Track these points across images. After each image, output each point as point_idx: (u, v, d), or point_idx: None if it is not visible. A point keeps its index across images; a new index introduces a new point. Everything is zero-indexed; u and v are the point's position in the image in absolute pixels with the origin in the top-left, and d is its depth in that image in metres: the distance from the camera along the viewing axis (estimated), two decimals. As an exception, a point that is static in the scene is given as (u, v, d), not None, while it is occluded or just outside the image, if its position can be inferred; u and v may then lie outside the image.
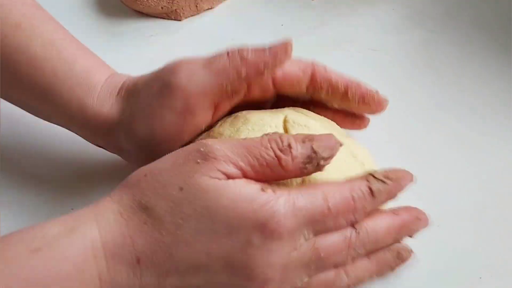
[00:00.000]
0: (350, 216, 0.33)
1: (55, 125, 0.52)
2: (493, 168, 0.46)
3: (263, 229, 0.31)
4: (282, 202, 0.31)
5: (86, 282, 0.30)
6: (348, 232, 0.34)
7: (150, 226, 0.31)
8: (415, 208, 0.37)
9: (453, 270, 0.40)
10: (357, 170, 0.39)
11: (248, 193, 0.31)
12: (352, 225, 0.34)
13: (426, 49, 0.56)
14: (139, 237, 0.31)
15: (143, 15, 0.62)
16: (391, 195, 0.35)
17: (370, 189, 0.33)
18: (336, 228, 0.33)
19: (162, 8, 0.60)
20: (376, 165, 0.42)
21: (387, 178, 0.34)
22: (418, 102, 0.51)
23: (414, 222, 0.36)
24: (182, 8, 0.61)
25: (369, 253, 0.35)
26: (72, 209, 0.45)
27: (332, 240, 0.33)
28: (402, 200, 0.42)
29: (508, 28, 0.56)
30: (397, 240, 0.37)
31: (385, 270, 0.36)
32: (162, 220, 0.31)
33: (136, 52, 0.58)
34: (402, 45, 0.57)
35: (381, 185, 0.34)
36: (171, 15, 0.61)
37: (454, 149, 0.47)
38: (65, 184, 0.47)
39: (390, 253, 0.36)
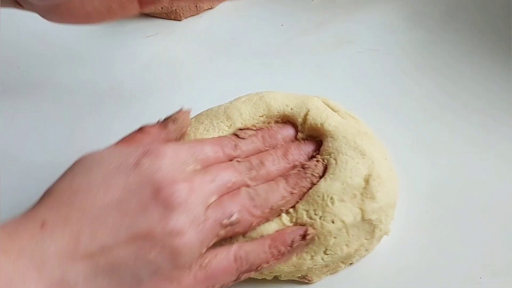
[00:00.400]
0: (228, 151, 0.39)
1: (55, 126, 0.52)
2: (493, 167, 0.46)
3: (146, 152, 0.35)
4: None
5: None
6: (233, 164, 0.38)
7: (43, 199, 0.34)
8: None
9: (453, 270, 0.40)
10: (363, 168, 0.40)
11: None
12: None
13: (426, 49, 0.56)
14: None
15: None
16: (265, 137, 0.41)
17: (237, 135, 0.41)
18: (218, 160, 0.38)
19: (162, 8, 0.60)
20: (391, 161, 0.42)
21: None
22: (418, 102, 0.51)
23: None
24: (182, 8, 0.61)
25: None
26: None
27: (221, 167, 0.37)
28: (402, 200, 0.42)
29: (508, 28, 0.56)
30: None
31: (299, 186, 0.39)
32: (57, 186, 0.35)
33: (136, 52, 0.58)
34: (402, 45, 0.57)
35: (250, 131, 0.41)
36: (171, 15, 0.61)
37: (454, 149, 0.47)
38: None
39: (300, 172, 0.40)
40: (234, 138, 0.40)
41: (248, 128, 0.42)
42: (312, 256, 0.39)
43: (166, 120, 0.40)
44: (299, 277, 0.40)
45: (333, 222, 0.39)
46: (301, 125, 0.45)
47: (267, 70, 0.54)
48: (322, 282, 0.40)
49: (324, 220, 0.38)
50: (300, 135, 0.44)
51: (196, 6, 0.61)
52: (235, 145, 0.39)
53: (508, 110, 0.50)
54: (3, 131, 0.51)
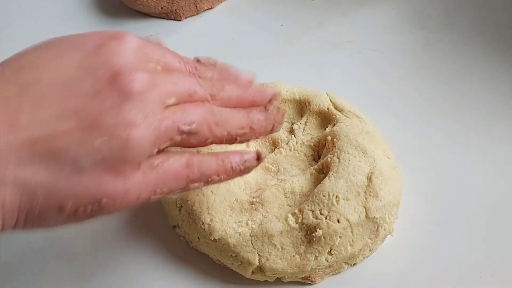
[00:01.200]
0: (189, 67, 0.36)
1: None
2: (493, 168, 0.46)
3: (113, 36, 0.32)
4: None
5: None
6: (196, 77, 0.35)
7: None
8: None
9: (453, 270, 0.40)
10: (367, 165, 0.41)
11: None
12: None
13: (426, 49, 0.56)
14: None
15: (143, 15, 0.62)
16: (225, 75, 0.37)
17: (198, 60, 0.36)
18: (179, 70, 0.35)
19: (162, 8, 0.60)
20: (394, 160, 0.43)
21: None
22: (417, 102, 0.51)
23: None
24: (182, 8, 0.61)
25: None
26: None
27: (183, 75, 0.34)
28: (402, 200, 0.42)
29: (508, 28, 0.56)
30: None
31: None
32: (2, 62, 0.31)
33: (136, 52, 0.58)
34: (402, 45, 0.57)
35: (212, 64, 0.37)
36: (171, 15, 0.61)
37: (454, 149, 0.47)
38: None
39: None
40: (195, 61, 0.37)
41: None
42: (316, 256, 0.39)
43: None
44: (302, 278, 0.40)
45: (338, 221, 0.39)
46: (309, 110, 0.46)
47: (267, 70, 0.53)
48: (325, 283, 0.40)
49: (329, 219, 0.39)
50: (303, 119, 0.45)
51: (196, 6, 0.61)
52: (195, 67, 0.36)
53: (508, 109, 0.50)
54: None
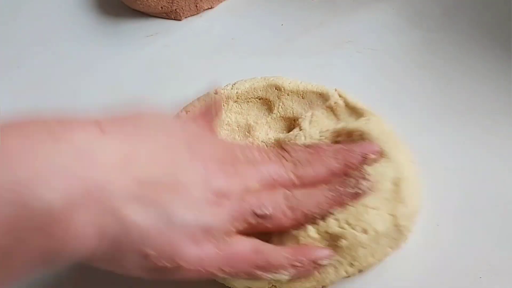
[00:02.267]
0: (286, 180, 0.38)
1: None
2: (493, 168, 0.46)
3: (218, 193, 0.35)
4: None
5: None
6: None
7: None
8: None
9: (453, 270, 0.40)
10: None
11: None
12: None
13: (426, 49, 0.56)
14: None
15: (143, 15, 0.62)
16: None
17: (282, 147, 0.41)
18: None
19: (162, 8, 0.60)
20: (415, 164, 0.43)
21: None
22: (417, 102, 0.51)
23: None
24: (182, 8, 0.61)
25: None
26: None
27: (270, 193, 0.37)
28: (402, 200, 0.42)
29: (508, 28, 0.56)
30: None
31: (341, 197, 0.38)
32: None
33: (136, 52, 0.58)
34: (402, 45, 0.57)
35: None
36: (171, 15, 0.61)
37: (454, 149, 0.47)
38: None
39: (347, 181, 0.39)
40: (287, 154, 0.40)
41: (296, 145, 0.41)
42: (336, 268, 0.38)
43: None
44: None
45: (365, 232, 0.37)
46: (335, 102, 0.46)
47: (267, 70, 0.53)
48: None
49: (355, 229, 0.37)
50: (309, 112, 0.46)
51: (196, 6, 0.61)
52: (278, 153, 0.39)
53: (508, 110, 0.50)
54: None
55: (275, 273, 0.36)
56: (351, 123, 0.44)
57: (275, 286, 0.38)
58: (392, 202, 0.39)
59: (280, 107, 0.47)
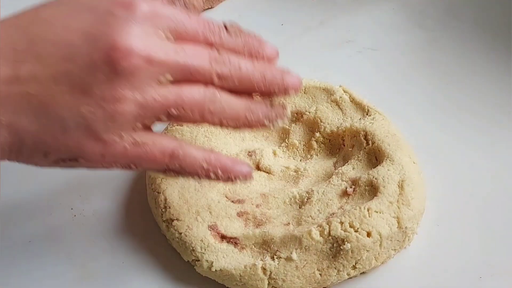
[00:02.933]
0: (209, 34, 0.34)
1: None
2: (493, 167, 0.46)
3: (124, 3, 0.32)
4: None
5: None
6: (209, 50, 0.34)
7: (9, 18, 0.33)
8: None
9: (453, 270, 0.40)
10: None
11: None
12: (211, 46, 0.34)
13: (426, 49, 0.56)
14: None
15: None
16: (249, 46, 0.36)
17: (225, 27, 0.35)
18: (195, 40, 0.34)
19: (162, 8, 0.60)
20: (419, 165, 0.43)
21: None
22: (418, 102, 0.51)
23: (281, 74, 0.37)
24: (182, 8, 0.61)
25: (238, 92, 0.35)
26: (72, 209, 0.45)
27: (193, 47, 0.33)
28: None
29: (508, 28, 0.56)
30: (267, 88, 0.36)
31: (258, 114, 0.35)
32: (23, 11, 0.33)
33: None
34: (402, 45, 0.56)
35: (238, 31, 0.35)
36: (171, 15, 0.61)
37: (454, 149, 0.47)
38: (65, 184, 0.47)
39: (264, 101, 0.36)
40: (222, 27, 0.35)
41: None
42: (339, 271, 0.38)
43: None
44: None
45: (369, 235, 0.38)
46: (340, 97, 0.46)
47: (267, 70, 0.53)
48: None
49: (359, 233, 0.37)
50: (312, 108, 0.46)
51: (196, 5, 0.61)
52: (220, 37, 0.35)
53: (508, 110, 0.50)
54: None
55: (186, 176, 0.35)
56: (357, 123, 0.44)
57: (274, 286, 0.38)
58: (396, 205, 0.39)
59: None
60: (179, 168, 0.34)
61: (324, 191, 0.41)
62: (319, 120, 0.46)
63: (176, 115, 0.33)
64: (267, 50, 0.37)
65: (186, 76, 0.33)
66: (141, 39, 0.31)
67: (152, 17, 0.32)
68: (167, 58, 0.32)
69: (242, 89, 0.35)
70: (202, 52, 0.33)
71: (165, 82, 0.32)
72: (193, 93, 0.33)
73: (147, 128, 0.33)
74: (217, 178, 0.35)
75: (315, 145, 0.45)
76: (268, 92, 0.36)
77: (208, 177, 0.35)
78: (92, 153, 0.32)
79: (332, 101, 0.46)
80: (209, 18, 0.35)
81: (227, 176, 0.35)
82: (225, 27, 0.35)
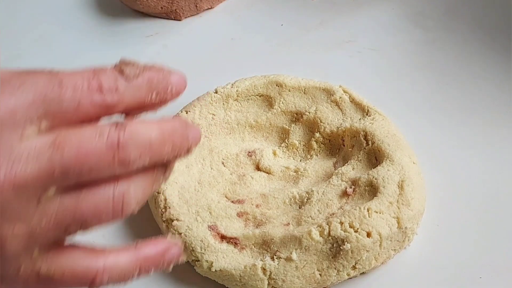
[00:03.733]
0: (98, 98, 0.25)
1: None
2: (493, 168, 0.46)
3: None
4: None
5: None
6: (106, 127, 0.24)
7: None
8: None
9: (453, 270, 0.40)
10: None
11: None
12: (107, 113, 0.25)
13: (426, 49, 0.56)
14: None
15: (143, 15, 0.62)
16: (155, 86, 0.27)
17: (120, 70, 0.26)
18: (82, 116, 0.25)
19: (162, 8, 0.60)
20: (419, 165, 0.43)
21: (144, 66, 0.27)
22: (417, 102, 0.51)
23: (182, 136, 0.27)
24: (182, 8, 0.61)
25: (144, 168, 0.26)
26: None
27: (82, 134, 0.24)
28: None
29: (508, 28, 0.56)
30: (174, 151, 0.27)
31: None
32: None
33: (136, 52, 0.58)
34: (402, 45, 0.57)
35: (134, 69, 0.27)
36: (171, 15, 0.61)
37: (454, 149, 0.47)
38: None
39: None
40: (116, 73, 0.26)
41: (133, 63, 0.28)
42: (338, 271, 0.38)
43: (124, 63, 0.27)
44: None
45: (369, 235, 0.38)
46: (340, 97, 0.46)
47: (267, 70, 0.53)
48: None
49: (359, 233, 0.37)
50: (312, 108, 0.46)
51: (196, 6, 0.61)
52: (116, 90, 0.26)
53: (508, 110, 0.50)
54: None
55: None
56: (357, 123, 0.44)
57: (274, 286, 0.38)
58: (396, 205, 0.39)
59: (281, 102, 0.47)
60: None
61: (324, 191, 0.41)
62: (319, 120, 0.46)
63: (80, 230, 0.25)
64: (174, 81, 0.27)
65: (79, 177, 0.24)
66: (9, 147, 0.23)
67: (10, 117, 0.23)
68: (42, 170, 0.23)
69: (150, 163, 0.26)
70: (91, 136, 0.24)
71: (51, 196, 0.24)
72: (95, 200, 0.25)
73: (58, 245, 0.25)
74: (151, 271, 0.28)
75: (315, 145, 0.45)
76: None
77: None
78: None
79: (332, 101, 0.46)
80: (99, 66, 0.27)
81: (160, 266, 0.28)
82: (121, 70, 0.27)
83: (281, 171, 0.44)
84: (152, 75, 0.27)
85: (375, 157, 0.43)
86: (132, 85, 0.26)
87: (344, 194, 0.41)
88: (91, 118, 0.25)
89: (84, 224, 0.25)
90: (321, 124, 0.45)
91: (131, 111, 0.27)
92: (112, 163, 0.24)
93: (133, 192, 0.26)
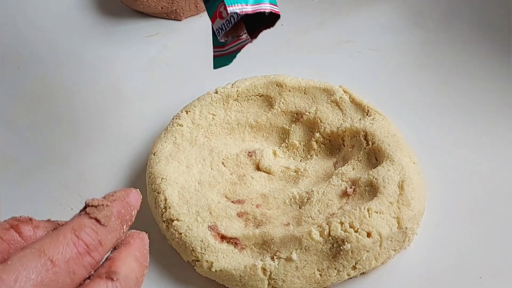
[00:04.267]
0: (87, 259, 0.27)
1: (55, 125, 0.52)
2: (493, 168, 0.46)
3: None
4: None
5: None
6: (103, 282, 0.27)
7: None
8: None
9: (453, 270, 0.40)
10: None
11: None
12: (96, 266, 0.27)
13: (425, 49, 0.56)
14: None
15: (143, 15, 0.62)
16: (124, 217, 0.29)
17: (96, 219, 0.28)
18: (78, 281, 0.27)
19: (162, 8, 0.60)
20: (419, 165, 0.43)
21: (107, 200, 0.29)
22: (417, 102, 0.51)
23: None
24: (182, 8, 0.61)
25: None
26: (72, 209, 0.45)
27: None
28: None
29: (508, 28, 0.56)
30: None
31: None
32: None
33: (136, 52, 0.58)
34: (402, 45, 0.57)
35: (105, 211, 0.28)
36: (171, 15, 0.61)
37: (454, 149, 0.47)
38: (65, 184, 0.47)
39: None
40: (94, 223, 0.28)
41: (98, 203, 0.28)
42: (339, 271, 0.38)
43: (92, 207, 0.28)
44: None
45: (369, 235, 0.38)
46: (340, 97, 0.46)
47: (267, 70, 0.53)
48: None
49: (359, 233, 0.37)
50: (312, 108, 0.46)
51: (196, 6, 0.61)
52: (100, 242, 0.28)
53: (508, 110, 0.50)
54: (3, 131, 0.51)
55: None
56: (357, 123, 0.44)
57: (274, 286, 0.38)
58: (396, 205, 0.39)
59: (281, 102, 0.47)
60: None
61: (324, 192, 0.41)
62: (319, 120, 0.46)
63: None
64: (134, 202, 0.30)
65: None
66: None
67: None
68: None
69: None
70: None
71: None
72: None
73: None
74: None
75: (315, 145, 0.45)
76: None
77: None
78: None
79: (332, 101, 0.46)
80: (75, 222, 0.27)
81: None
82: (96, 218, 0.28)
83: (281, 171, 0.44)
84: (118, 208, 0.29)
85: (375, 157, 0.43)
86: (109, 229, 0.28)
87: (344, 194, 0.41)
88: (85, 276, 0.27)
89: None
90: (321, 124, 0.45)
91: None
92: None
93: None
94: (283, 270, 0.38)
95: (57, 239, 0.27)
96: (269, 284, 0.38)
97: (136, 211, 0.30)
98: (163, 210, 0.41)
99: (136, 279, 0.28)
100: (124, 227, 0.30)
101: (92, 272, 0.27)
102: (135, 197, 0.30)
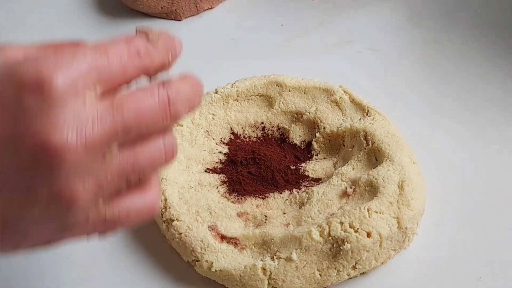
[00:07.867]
0: (139, 62, 0.29)
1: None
2: (493, 168, 0.46)
3: (34, 87, 0.25)
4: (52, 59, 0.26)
5: None
6: (154, 88, 0.29)
7: None
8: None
9: (453, 270, 0.40)
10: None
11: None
12: (144, 74, 0.30)
13: (426, 49, 0.56)
14: None
15: (143, 15, 0.62)
16: (169, 46, 0.32)
17: (147, 36, 0.31)
18: (128, 79, 0.29)
19: (162, 8, 0.60)
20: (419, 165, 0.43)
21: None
22: (417, 102, 0.51)
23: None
24: (182, 8, 0.61)
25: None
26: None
27: (136, 96, 0.28)
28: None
29: (508, 28, 0.56)
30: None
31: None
32: None
33: (136, 52, 0.58)
34: (402, 45, 0.57)
35: (153, 34, 0.31)
36: (171, 15, 0.61)
37: (454, 149, 0.47)
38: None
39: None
40: (144, 39, 0.31)
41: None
42: (338, 271, 0.38)
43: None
44: None
45: (369, 235, 0.38)
46: (340, 97, 0.46)
47: (267, 70, 0.53)
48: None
49: (359, 233, 0.37)
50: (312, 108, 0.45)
51: (196, 6, 0.61)
52: (149, 55, 0.30)
53: (508, 110, 0.50)
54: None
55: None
56: (357, 123, 0.44)
57: (274, 286, 0.38)
58: (396, 205, 0.39)
59: (281, 102, 0.47)
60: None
61: (324, 192, 0.41)
62: (319, 120, 0.46)
63: (140, 179, 0.29)
64: (177, 43, 0.34)
65: (139, 133, 0.28)
66: (69, 127, 0.26)
67: (72, 85, 0.26)
68: (107, 130, 0.27)
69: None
70: (144, 96, 0.28)
71: (114, 152, 0.27)
72: (150, 151, 0.28)
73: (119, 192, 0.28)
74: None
75: (315, 145, 0.45)
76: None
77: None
78: (63, 239, 0.29)
79: (332, 101, 0.46)
80: (127, 35, 0.31)
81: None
82: (147, 36, 0.31)
83: None
84: (165, 38, 0.31)
85: (375, 157, 0.43)
86: (157, 48, 0.30)
87: (344, 194, 0.41)
88: (132, 80, 0.29)
89: (142, 173, 0.28)
90: (321, 124, 0.46)
91: (155, 72, 0.31)
92: (165, 118, 0.28)
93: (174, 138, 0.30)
94: (283, 270, 0.38)
95: (112, 41, 0.30)
96: (269, 284, 0.38)
97: (179, 50, 0.33)
98: (163, 210, 0.41)
99: (188, 99, 0.30)
100: (170, 57, 0.32)
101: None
102: (177, 39, 0.33)
